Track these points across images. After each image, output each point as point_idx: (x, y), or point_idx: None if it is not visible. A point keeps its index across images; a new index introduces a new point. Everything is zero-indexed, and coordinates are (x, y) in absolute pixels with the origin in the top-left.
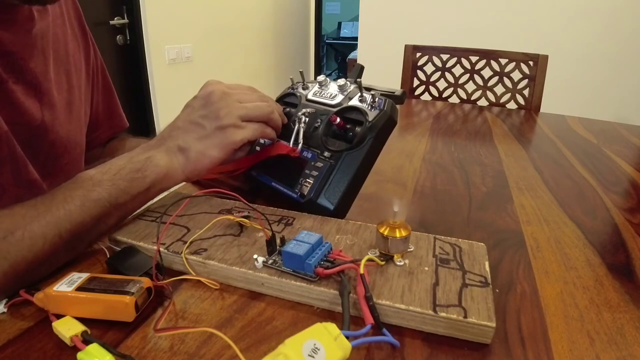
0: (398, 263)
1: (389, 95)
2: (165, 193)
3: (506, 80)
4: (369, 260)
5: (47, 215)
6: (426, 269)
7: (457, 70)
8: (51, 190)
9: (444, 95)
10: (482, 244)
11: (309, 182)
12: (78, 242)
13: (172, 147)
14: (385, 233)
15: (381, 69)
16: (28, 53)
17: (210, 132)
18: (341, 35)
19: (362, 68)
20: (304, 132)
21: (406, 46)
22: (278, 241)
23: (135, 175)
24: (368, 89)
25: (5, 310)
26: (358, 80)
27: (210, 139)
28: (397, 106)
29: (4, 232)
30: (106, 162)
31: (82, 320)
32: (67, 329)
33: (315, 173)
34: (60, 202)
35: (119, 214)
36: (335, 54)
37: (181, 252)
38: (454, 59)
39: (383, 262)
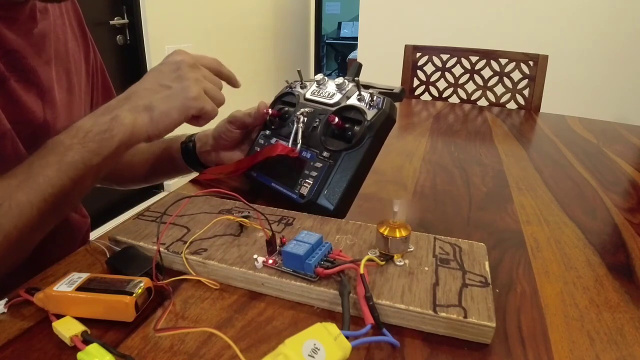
0: (398, 263)
1: (387, 93)
2: (165, 193)
3: (506, 80)
4: (369, 260)
5: (29, 183)
6: (426, 269)
7: (457, 70)
8: (26, 159)
9: (444, 95)
10: (482, 244)
11: (309, 183)
12: (63, 205)
13: (137, 106)
14: (385, 233)
15: (381, 69)
16: (30, 52)
17: (175, 93)
18: (341, 35)
19: (360, 66)
20: (302, 132)
21: (406, 46)
22: (278, 241)
23: (103, 136)
24: (366, 87)
25: (5, 310)
26: (356, 78)
27: (173, 100)
28: (397, 104)
29: None
30: (72, 126)
31: (82, 320)
32: (67, 329)
33: (314, 173)
34: (38, 169)
35: (93, 174)
36: (335, 54)
37: (181, 252)
38: (454, 59)
39: (383, 262)
